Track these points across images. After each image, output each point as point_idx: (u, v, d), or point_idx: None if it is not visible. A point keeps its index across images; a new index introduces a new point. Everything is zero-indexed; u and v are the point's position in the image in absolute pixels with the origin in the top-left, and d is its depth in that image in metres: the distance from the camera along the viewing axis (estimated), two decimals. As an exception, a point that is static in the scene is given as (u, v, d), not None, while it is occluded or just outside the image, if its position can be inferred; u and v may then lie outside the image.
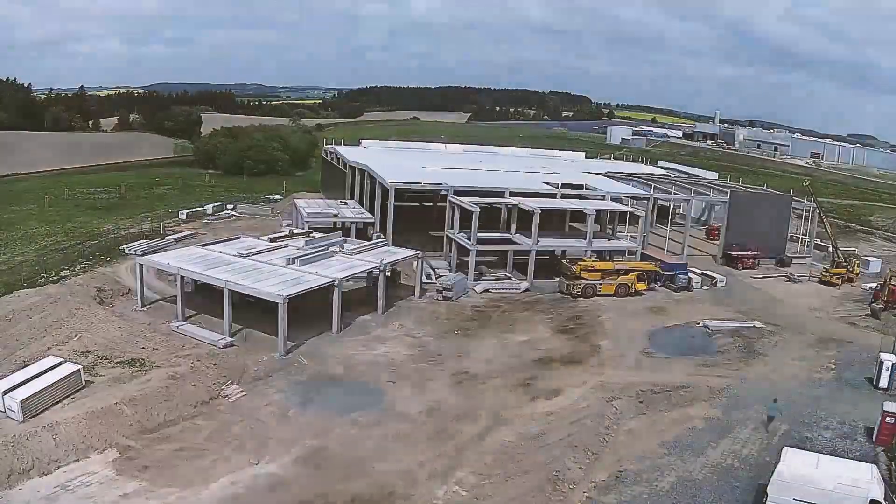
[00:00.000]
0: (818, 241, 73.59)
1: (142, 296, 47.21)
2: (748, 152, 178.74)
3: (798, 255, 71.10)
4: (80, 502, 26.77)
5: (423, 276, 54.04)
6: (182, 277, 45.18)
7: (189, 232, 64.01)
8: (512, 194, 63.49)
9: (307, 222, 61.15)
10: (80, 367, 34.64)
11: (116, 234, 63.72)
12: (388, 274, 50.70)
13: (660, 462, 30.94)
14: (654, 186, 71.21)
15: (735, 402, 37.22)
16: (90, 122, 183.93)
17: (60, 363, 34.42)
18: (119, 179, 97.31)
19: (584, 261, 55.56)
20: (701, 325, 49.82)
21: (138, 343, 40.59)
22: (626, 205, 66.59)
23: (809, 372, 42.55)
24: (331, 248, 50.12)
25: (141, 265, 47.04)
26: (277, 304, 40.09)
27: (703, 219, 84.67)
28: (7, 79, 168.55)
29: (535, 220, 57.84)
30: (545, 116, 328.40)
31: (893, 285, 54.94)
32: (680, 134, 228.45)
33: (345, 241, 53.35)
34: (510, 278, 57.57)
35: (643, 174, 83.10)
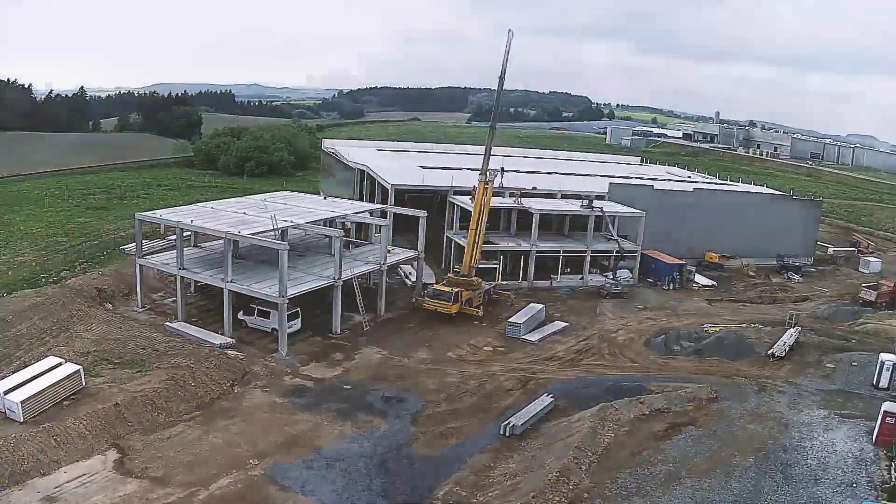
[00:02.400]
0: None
1: (142, 296, 47.24)
2: (747, 152, 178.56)
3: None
4: (81, 502, 26.77)
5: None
6: (182, 278, 45.30)
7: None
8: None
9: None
10: (80, 367, 34.64)
11: (116, 234, 63.72)
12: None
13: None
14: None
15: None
16: (90, 123, 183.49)
17: (60, 364, 34.42)
18: (119, 180, 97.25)
19: None
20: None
21: (138, 343, 40.58)
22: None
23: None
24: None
25: (140, 266, 47.15)
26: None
27: None
28: (7, 79, 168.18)
29: (535, 221, 57.84)
30: (545, 116, 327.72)
31: None
32: (680, 134, 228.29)
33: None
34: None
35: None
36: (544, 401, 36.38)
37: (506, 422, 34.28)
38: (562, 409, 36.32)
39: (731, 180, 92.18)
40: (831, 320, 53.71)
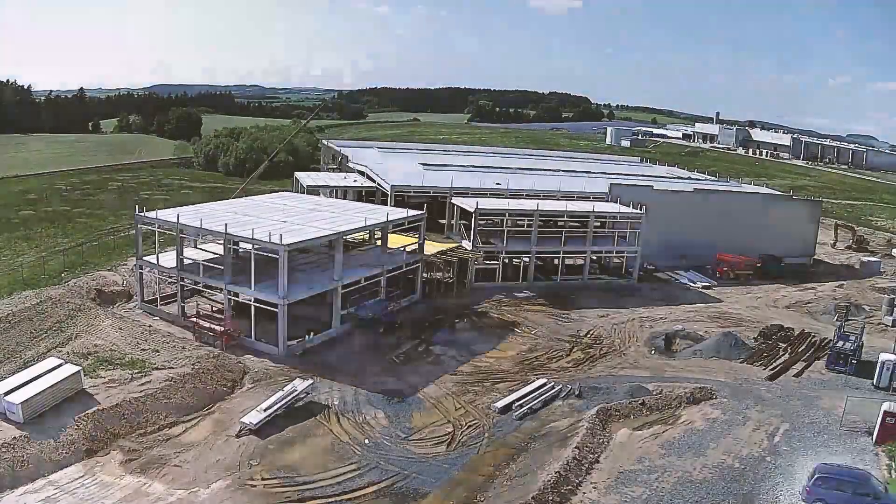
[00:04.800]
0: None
1: (142, 297, 47.22)
2: (747, 152, 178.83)
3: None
4: (81, 504, 26.80)
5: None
6: (182, 279, 45.29)
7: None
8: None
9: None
10: (80, 368, 34.65)
11: (116, 235, 63.82)
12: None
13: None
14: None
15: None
16: (90, 124, 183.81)
17: (60, 365, 34.42)
18: (119, 180, 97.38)
19: None
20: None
21: (139, 345, 40.61)
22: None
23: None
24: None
25: (140, 266, 47.14)
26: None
27: None
28: (7, 80, 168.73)
29: (535, 222, 57.82)
30: (545, 117, 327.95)
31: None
32: (679, 134, 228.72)
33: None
34: None
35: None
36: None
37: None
38: (562, 408, 36.43)
39: (730, 179, 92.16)
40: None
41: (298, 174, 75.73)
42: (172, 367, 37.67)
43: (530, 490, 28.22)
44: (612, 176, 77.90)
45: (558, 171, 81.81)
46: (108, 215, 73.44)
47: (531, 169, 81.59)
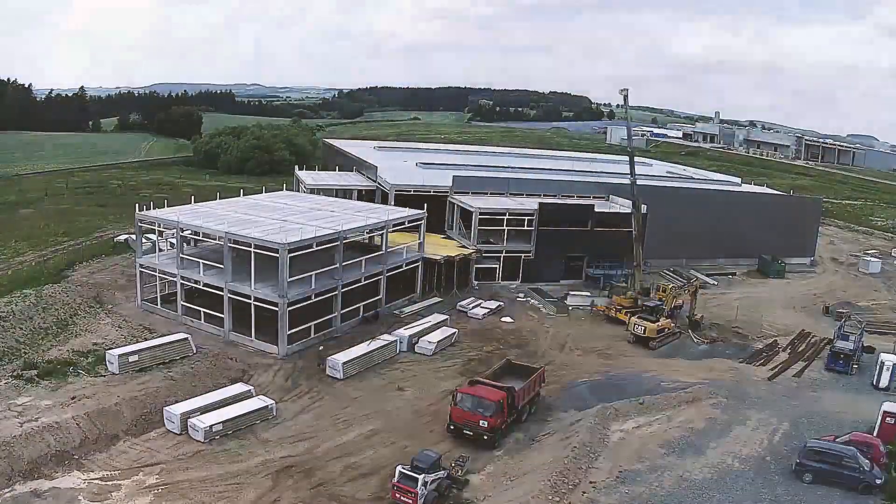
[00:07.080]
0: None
1: (141, 296, 47.20)
2: (748, 152, 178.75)
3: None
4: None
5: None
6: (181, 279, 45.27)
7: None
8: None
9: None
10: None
11: (116, 234, 63.82)
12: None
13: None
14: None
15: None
16: (90, 123, 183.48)
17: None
18: (119, 179, 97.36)
19: None
20: None
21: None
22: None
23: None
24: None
25: (140, 265, 47.13)
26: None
27: None
28: (7, 79, 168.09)
29: (536, 221, 57.74)
30: (545, 116, 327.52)
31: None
32: (680, 134, 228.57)
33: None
34: None
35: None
36: None
37: None
38: (563, 408, 36.48)
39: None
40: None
41: (299, 173, 75.65)
42: (172, 365, 37.71)
43: (530, 490, 28.22)
44: (613, 175, 77.76)
45: (558, 170, 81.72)
46: (107, 214, 73.45)
47: (531, 168, 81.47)
